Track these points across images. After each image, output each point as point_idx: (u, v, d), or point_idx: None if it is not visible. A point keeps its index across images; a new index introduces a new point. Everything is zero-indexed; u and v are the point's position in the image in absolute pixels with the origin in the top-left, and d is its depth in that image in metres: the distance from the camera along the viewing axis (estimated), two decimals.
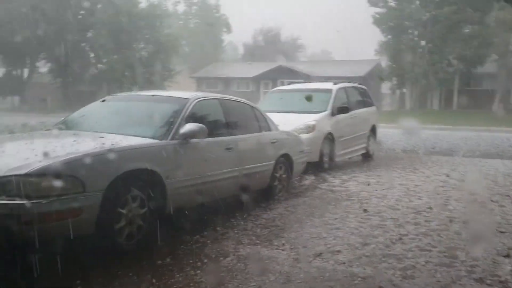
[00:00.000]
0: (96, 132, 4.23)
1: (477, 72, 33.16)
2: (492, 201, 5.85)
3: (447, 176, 7.68)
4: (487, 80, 33.93)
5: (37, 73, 39.67)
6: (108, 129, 4.27)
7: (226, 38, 61.55)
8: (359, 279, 3.33)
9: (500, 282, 3.30)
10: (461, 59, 32.13)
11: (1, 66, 38.12)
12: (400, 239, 4.22)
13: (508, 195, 6.20)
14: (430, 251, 3.91)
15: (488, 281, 3.30)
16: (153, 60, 36.74)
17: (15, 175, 3.09)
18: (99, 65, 38.11)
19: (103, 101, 5.23)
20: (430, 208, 5.39)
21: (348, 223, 4.73)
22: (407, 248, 3.98)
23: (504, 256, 3.78)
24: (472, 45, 31.14)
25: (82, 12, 37.74)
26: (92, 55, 39.20)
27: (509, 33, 30.26)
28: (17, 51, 34.18)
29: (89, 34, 37.45)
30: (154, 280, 3.23)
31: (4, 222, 2.99)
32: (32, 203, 3.03)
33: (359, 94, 10.06)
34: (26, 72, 39.24)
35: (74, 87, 36.89)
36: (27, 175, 3.10)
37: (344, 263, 3.62)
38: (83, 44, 37.85)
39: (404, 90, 37.63)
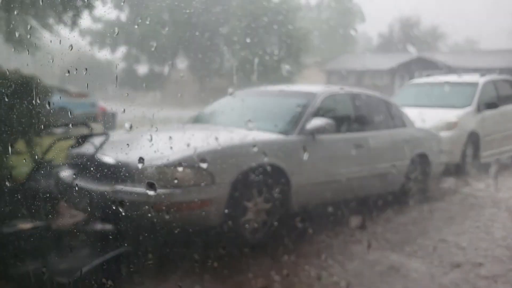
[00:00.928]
0: (226, 126, 4.36)
1: None
2: None
3: None
4: None
5: (175, 69, 43.33)
6: (236, 124, 4.35)
7: (359, 28, 59.89)
8: None
9: None
10: None
11: (146, 64, 42.44)
12: None
13: None
14: None
15: None
16: (283, 54, 37.37)
17: (152, 166, 3.31)
18: (231, 60, 40.00)
19: (232, 95, 5.38)
20: None
21: (493, 233, 4.23)
22: None
23: None
24: None
25: (216, 9, 39.96)
26: (225, 50, 41.27)
27: None
28: (158, 49, 37.68)
29: (223, 30, 39.46)
30: (277, 277, 3.20)
31: (140, 210, 3.21)
32: (166, 192, 3.22)
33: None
34: (166, 69, 43.08)
35: (207, 82, 39.40)
36: (162, 166, 3.30)
37: (487, 277, 3.23)
38: (217, 41, 40.07)
39: None
